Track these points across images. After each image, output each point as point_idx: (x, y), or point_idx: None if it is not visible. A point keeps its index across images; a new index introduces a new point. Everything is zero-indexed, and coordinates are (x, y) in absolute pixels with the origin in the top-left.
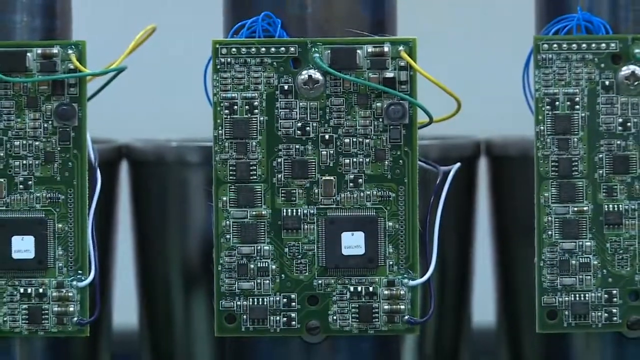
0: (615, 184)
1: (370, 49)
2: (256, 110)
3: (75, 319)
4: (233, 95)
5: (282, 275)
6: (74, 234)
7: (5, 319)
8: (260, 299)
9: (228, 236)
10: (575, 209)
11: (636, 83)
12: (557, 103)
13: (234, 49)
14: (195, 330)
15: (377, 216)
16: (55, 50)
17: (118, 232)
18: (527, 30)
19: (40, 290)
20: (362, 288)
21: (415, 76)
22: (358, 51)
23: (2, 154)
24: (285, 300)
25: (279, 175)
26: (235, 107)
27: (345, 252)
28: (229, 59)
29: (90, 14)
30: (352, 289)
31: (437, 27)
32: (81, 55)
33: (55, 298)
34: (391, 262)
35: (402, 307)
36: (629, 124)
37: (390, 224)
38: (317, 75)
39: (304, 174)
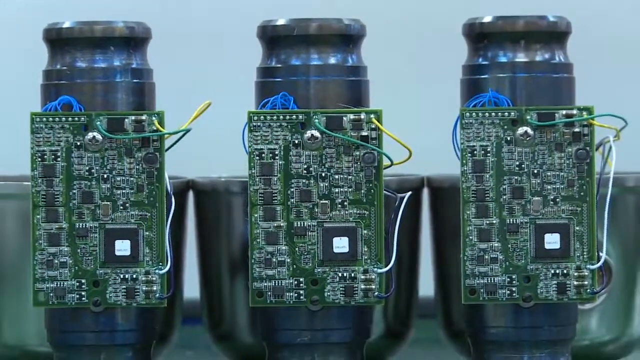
0: (514, 205)
1: (351, 116)
2: (277, 157)
3: (157, 295)
4: (261, 147)
5: (294, 266)
6: (157, 238)
7: (110, 295)
8: (280, 282)
9: (258, 240)
10: (487, 221)
11: (528, 138)
12: (475, 152)
13: (262, 117)
14: (237, 302)
15: (357, 227)
16: (143, 117)
17: (186, 237)
18: (455, 104)
19: (134, 276)
20: (346, 274)
21: (381, 134)
22: (344, 118)
23: (109, 186)
24: (296, 282)
25: (292, 200)
26: (263, 154)
27: (335, 250)
28: (258, 123)
29: (167, 92)
30: (340, 274)
31: (397, 102)
32: (161, 120)
33: (144, 281)
34: (366, 257)
35: (373, 286)
36: (523, 165)
37: (365, 232)
38: (317, 134)
39: (308, 199)
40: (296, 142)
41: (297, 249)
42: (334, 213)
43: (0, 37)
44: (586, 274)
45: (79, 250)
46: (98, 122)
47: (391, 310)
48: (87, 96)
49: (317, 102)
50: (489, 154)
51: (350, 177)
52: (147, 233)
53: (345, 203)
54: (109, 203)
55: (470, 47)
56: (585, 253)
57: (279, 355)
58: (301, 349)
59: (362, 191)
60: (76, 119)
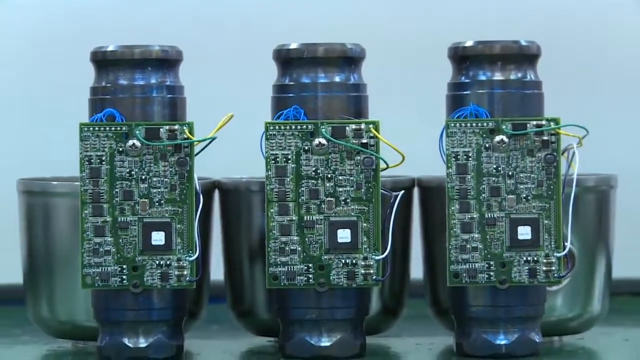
0: (491, 202)
1: (353, 126)
2: (290, 161)
3: (188, 278)
4: (276, 152)
5: (304, 253)
6: (187, 230)
7: (147, 278)
8: (292, 267)
9: (274, 231)
10: (469, 216)
11: (504, 145)
12: (458, 156)
13: (277, 127)
14: (256, 284)
15: (358, 220)
16: (176, 127)
17: (212, 229)
18: (441, 115)
19: (168, 262)
20: (349, 260)
21: (379, 142)
22: (346, 127)
23: (146, 185)
24: (305, 267)
25: (302, 197)
26: (278, 159)
27: (339, 240)
28: (274, 132)
29: (196, 105)
30: (343, 261)
31: (392, 114)
32: (191, 129)
33: (176, 266)
34: (365, 246)
35: (372, 271)
36: (499, 168)
37: (365, 224)
38: (324, 141)
39: (316, 197)
40: (306, 148)
41: (306, 239)
42: (338, 209)
43: (53, 59)
44: (553, 260)
45: (120, 240)
46: (137, 131)
47: (387, 291)
48: (128, 109)
49: (324, 114)
50: (470, 159)
51: (352, 178)
52: (179, 226)
53: (348, 200)
54: (146, 200)
55: (454, 67)
56: (552, 243)
57: (291, 329)
58: (310, 324)
59: (362, 190)
60: (118, 128)
